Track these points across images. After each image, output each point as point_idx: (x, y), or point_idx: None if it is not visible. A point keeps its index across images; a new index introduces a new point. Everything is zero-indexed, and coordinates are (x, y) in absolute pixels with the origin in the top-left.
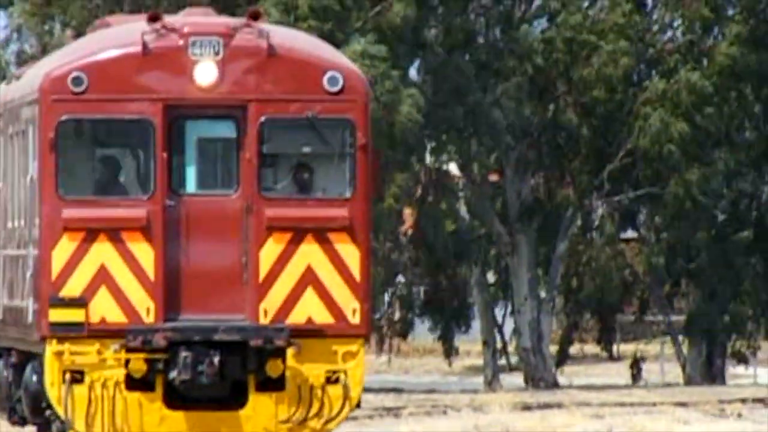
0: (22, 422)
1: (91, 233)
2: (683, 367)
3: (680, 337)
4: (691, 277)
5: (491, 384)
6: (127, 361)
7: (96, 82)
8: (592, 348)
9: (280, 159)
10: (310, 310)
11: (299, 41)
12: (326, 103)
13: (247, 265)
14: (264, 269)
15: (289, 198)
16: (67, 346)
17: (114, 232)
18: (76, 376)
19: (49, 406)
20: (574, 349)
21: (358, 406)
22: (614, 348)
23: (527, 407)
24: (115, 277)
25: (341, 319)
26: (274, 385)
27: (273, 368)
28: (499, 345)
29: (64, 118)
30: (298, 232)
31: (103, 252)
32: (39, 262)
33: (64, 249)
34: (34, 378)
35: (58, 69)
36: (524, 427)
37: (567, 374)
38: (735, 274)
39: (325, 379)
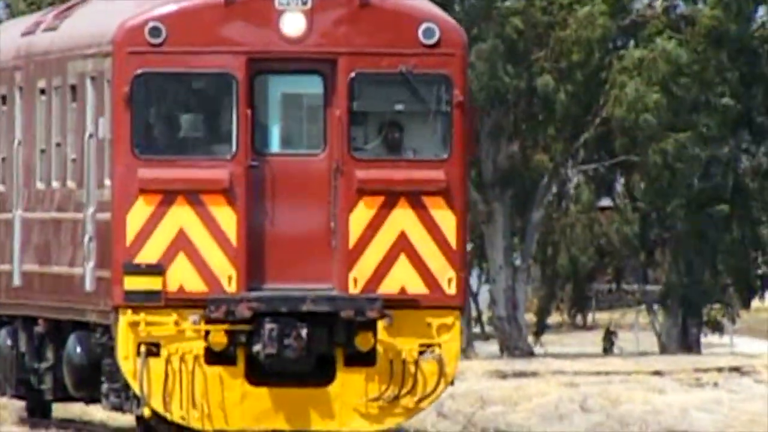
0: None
1: (168, 195)
2: (658, 336)
3: (655, 306)
4: (667, 247)
5: (466, 352)
6: (207, 333)
7: (175, 33)
8: (567, 317)
9: (371, 117)
10: (402, 279)
11: None
12: (421, 57)
13: (335, 231)
14: (354, 235)
15: (381, 159)
16: (142, 317)
17: (193, 195)
18: (152, 349)
19: (93, 380)
20: (549, 318)
21: (451, 383)
22: (589, 317)
23: (502, 375)
24: (195, 243)
25: (436, 289)
26: (363, 359)
27: (363, 342)
28: (474, 313)
29: (140, 71)
30: (390, 196)
31: (181, 216)
32: (111, 226)
33: (139, 212)
34: (79, 349)
35: (133, 18)
36: (499, 395)
37: (542, 343)
38: (711, 244)
39: (418, 353)
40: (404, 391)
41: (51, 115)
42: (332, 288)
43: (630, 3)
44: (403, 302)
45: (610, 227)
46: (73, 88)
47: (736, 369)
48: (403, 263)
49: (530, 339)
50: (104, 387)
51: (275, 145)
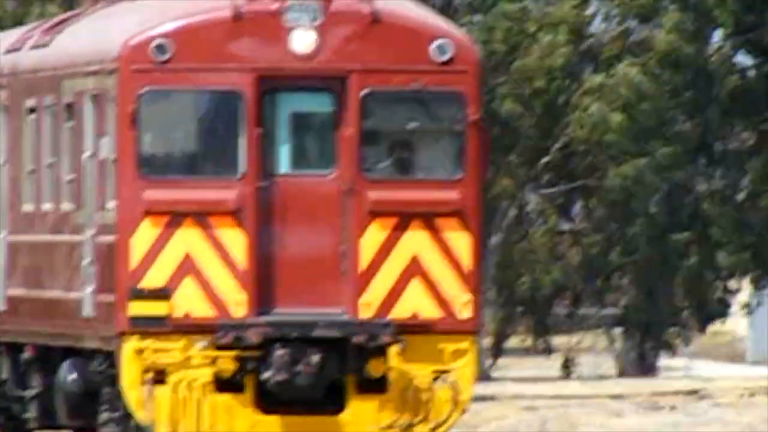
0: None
1: (175, 217)
2: (616, 360)
3: (613, 330)
4: (626, 270)
5: None
6: (215, 360)
7: (181, 50)
8: (524, 341)
9: (383, 136)
10: (415, 303)
11: (404, 6)
12: (434, 75)
13: (346, 254)
14: (365, 258)
15: (393, 179)
16: (148, 343)
17: (201, 217)
18: (158, 377)
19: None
20: (507, 342)
21: (465, 410)
22: (547, 341)
23: None
24: (202, 267)
25: (450, 313)
26: (375, 386)
27: (375, 368)
28: None
29: (145, 89)
30: (403, 218)
31: (188, 238)
32: (115, 249)
33: (145, 235)
34: (73, 376)
35: (138, 35)
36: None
37: (499, 366)
38: (670, 268)
39: (432, 379)
40: (418, 418)
41: (41, 134)
42: (343, 313)
43: (586, 28)
44: (415, 327)
45: (569, 251)
46: (69, 106)
47: (693, 392)
48: (415, 287)
49: (488, 363)
50: (103, 416)
51: (284, 165)
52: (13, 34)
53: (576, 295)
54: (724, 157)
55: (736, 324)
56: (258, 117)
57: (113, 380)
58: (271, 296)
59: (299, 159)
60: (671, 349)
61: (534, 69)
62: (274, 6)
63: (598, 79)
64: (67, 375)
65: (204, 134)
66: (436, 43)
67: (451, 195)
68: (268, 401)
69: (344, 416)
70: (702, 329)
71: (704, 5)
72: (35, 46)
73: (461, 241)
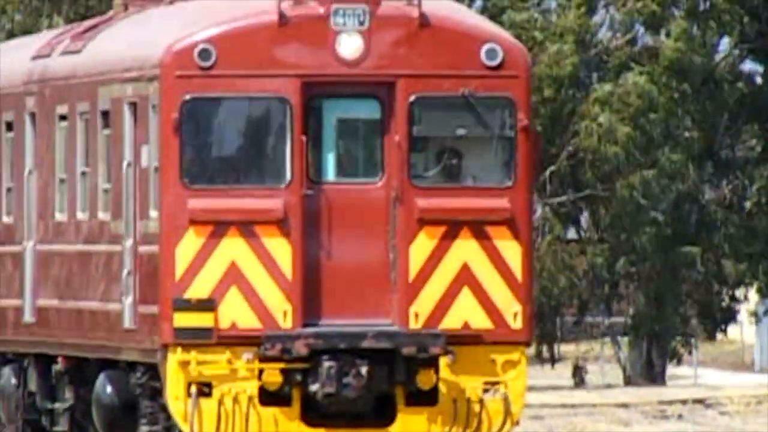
0: None
1: (220, 227)
2: (624, 369)
3: (620, 338)
4: (634, 279)
5: None
6: (261, 372)
7: (226, 55)
8: (532, 348)
9: (431, 142)
10: (466, 313)
11: (452, 9)
12: (484, 80)
13: (395, 263)
14: (414, 267)
15: (442, 187)
16: (193, 355)
17: (246, 226)
18: (204, 389)
19: (125, 422)
20: None
21: (517, 423)
22: (555, 349)
23: None
24: (248, 277)
25: (501, 323)
26: (425, 398)
27: (424, 380)
28: None
29: (189, 96)
30: (452, 226)
31: (233, 248)
32: (159, 259)
33: (189, 245)
34: (110, 389)
35: (181, 40)
36: None
37: None
38: (677, 277)
39: (483, 391)
40: (469, 431)
41: (75, 142)
42: (392, 323)
43: (592, 36)
44: (466, 338)
45: (576, 260)
46: (105, 114)
47: (700, 401)
48: (466, 297)
49: None
50: (143, 430)
51: (331, 173)
52: (38, 40)
53: (583, 303)
54: (731, 164)
55: (743, 332)
56: (304, 124)
57: (154, 393)
58: (317, 307)
59: (346, 166)
60: (678, 358)
61: (541, 78)
62: (321, 10)
63: (607, 87)
64: (104, 388)
65: (249, 142)
66: (485, 47)
67: (501, 203)
68: (316, 414)
69: (393, 429)
70: (709, 338)
71: (712, 13)
72: (66, 52)
73: (512, 250)
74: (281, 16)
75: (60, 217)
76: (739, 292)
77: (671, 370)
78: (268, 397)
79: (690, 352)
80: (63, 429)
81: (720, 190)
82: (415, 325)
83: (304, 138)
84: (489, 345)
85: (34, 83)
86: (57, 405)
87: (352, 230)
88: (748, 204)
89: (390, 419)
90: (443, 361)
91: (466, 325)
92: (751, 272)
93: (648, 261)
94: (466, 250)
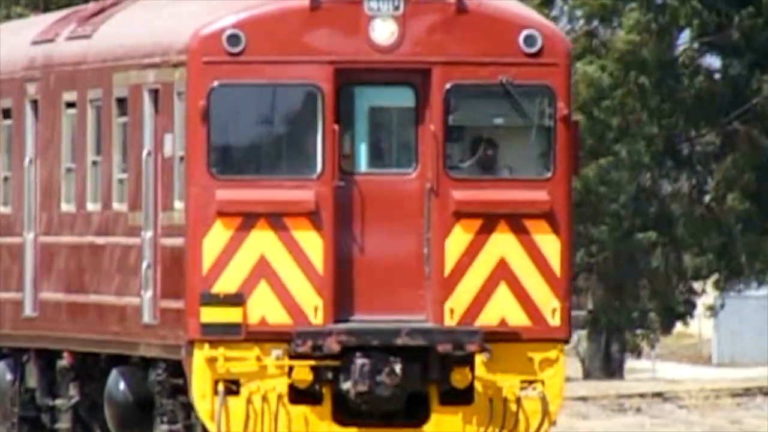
0: None
1: (249, 219)
2: (582, 362)
3: (578, 332)
4: (592, 272)
5: None
6: (290, 370)
7: (255, 41)
8: None
9: (468, 132)
10: (503, 309)
11: None
12: (522, 67)
13: (429, 257)
14: (450, 262)
15: (479, 178)
16: (221, 351)
17: (276, 218)
18: (231, 387)
19: (138, 420)
20: None
21: (554, 422)
22: None
23: None
24: (278, 271)
25: (539, 320)
26: (460, 397)
27: (460, 378)
28: None
29: (217, 83)
30: (489, 219)
31: (263, 241)
32: (185, 252)
33: (217, 237)
34: (122, 386)
35: (209, 25)
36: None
37: None
38: (636, 270)
39: (520, 390)
40: (505, 431)
41: (84, 130)
42: (426, 319)
43: None
44: (503, 335)
45: None
46: (121, 101)
47: (658, 394)
48: (503, 292)
49: None
50: (162, 428)
51: (363, 164)
52: (35, 24)
53: None
54: (690, 159)
55: (701, 326)
56: (336, 112)
57: (174, 391)
58: (349, 302)
59: (379, 157)
60: (637, 351)
61: None
62: None
63: None
64: (117, 385)
65: (279, 131)
66: (524, 33)
67: (540, 195)
68: (347, 413)
69: (427, 429)
70: (667, 331)
71: (668, 6)
72: (74, 37)
73: (550, 245)
74: (313, 0)
75: (67, 207)
76: (697, 286)
77: (630, 363)
78: (298, 396)
79: (652, 346)
80: (65, 426)
81: (679, 184)
82: (450, 321)
83: (336, 127)
84: (526, 342)
85: (36, 69)
86: (59, 402)
87: (386, 223)
88: (707, 198)
89: (423, 419)
90: (479, 359)
91: (502, 322)
92: (709, 266)
93: (606, 250)
94: (503, 244)
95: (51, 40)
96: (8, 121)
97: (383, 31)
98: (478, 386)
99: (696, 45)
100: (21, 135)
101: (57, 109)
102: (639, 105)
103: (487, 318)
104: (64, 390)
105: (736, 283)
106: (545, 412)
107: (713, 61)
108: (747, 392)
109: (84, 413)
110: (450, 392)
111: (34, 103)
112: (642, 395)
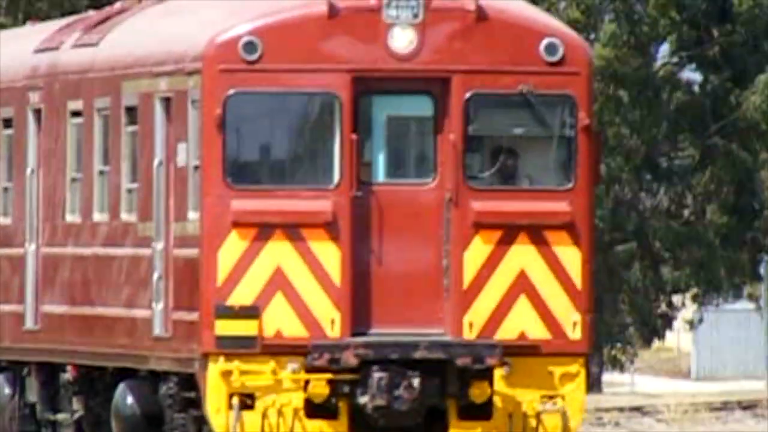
0: None
1: (265, 229)
2: None
3: None
4: None
5: None
6: (307, 383)
7: (272, 48)
8: None
9: (488, 142)
10: (522, 323)
11: (509, 2)
12: (543, 76)
13: (448, 269)
14: (469, 274)
15: (499, 189)
16: (236, 365)
17: (292, 229)
18: (246, 401)
19: None
20: None
21: None
22: None
23: None
24: (294, 283)
25: (559, 334)
26: (478, 412)
27: (478, 393)
28: None
29: (233, 91)
30: (509, 230)
31: (279, 252)
32: (199, 263)
33: (232, 248)
34: (130, 400)
35: (224, 32)
36: None
37: None
38: (614, 283)
39: (539, 405)
40: None
41: (91, 139)
42: (445, 333)
43: None
44: (523, 349)
45: None
46: (130, 110)
47: (637, 408)
48: (523, 305)
49: None
50: None
51: (381, 174)
52: (36, 32)
53: None
54: (669, 173)
55: (679, 340)
56: (354, 121)
57: (186, 405)
58: (367, 315)
59: (397, 167)
60: (618, 365)
61: None
62: (373, 1)
63: None
64: (124, 399)
65: (295, 140)
66: (545, 42)
67: (561, 206)
68: (364, 427)
69: None
70: (646, 345)
71: (647, 19)
72: (79, 45)
73: (571, 257)
74: (331, 7)
75: (72, 218)
76: (676, 299)
77: (608, 377)
78: (314, 410)
79: (632, 361)
80: None
81: (658, 198)
82: (469, 334)
83: (354, 136)
84: (546, 356)
85: (39, 77)
86: (61, 416)
87: (404, 234)
88: (686, 212)
89: None
90: (498, 373)
91: (522, 336)
92: (687, 280)
93: None
94: (523, 256)
95: (55, 48)
96: (9, 131)
97: (402, 39)
98: (497, 401)
99: (675, 59)
100: (22, 144)
101: (61, 118)
102: (619, 118)
103: (507, 331)
104: (67, 404)
105: (714, 296)
106: (566, 428)
107: (693, 76)
108: (725, 406)
109: (87, 428)
110: (468, 407)
111: (37, 112)
112: (621, 409)
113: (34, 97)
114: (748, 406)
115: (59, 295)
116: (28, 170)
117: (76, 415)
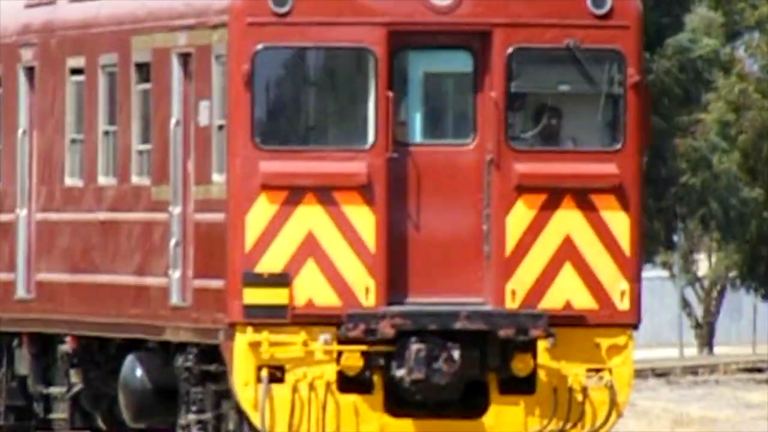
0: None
1: (295, 193)
2: None
3: None
4: None
5: None
6: (339, 355)
7: (303, 1)
8: None
9: (531, 100)
10: (568, 292)
11: None
12: (590, 30)
13: (489, 235)
14: (512, 240)
15: (543, 150)
16: (265, 336)
17: (325, 192)
18: (276, 374)
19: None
20: None
21: (621, 414)
22: None
23: None
24: (326, 249)
25: (607, 303)
26: (521, 386)
27: (521, 365)
28: None
29: (262, 46)
30: (554, 194)
31: (310, 216)
32: (227, 228)
33: (261, 212)
34: (139, 372)
35: None
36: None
37: None
38: None
39: (586, 379)
40: (570, 424)
41: (94, 99)
42: (485, 302)
43: None
44: (568, 319)
45: None
46: (141, 66)
47: None
48: (568, 273)
49: None
50: (189, 418)
51: (418, 134)
52: None
53: None
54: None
55: None
56: (389, 78)
57: (204, 378)
58: (403, 283)
59: (434, 126)
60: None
61: None
62: None
63: None
64: (133, 371)
65: (328, 98)
66: None
67: (609, 168)
68: (400, 402)
69: (486, 420)
70: None
71: None
72: None
73: (619, 222)
74: None
75: (72, 182)
76: None
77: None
78: (347, 384)
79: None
80: (62, 416)
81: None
82: (511, 304)
83: (389, 94)
84: (593, 327)
85: (32, 33)
86: (55, 390)
87: (442, 198)
88: None
89: (482, 409)
90: (542, 345)
91: (568, 305)
92: None
93: None
94: (568, 220)
95: (50, 3)
96: None
97: None
98: (540, 374)
99: None
100: (12, 104)
101: (59, 76)
102: None
103: (551, 301)
104: (63, 377)
105: None
106: (613, 403)
107: None
108: (639, 374)
109: (86, 402)
110: (510, 381)
111: (30, 69)
112: None
113: (27, 54)
114: (661, 374)
115: (57, 262)
116: (20, 131)
117: (75, 389)
